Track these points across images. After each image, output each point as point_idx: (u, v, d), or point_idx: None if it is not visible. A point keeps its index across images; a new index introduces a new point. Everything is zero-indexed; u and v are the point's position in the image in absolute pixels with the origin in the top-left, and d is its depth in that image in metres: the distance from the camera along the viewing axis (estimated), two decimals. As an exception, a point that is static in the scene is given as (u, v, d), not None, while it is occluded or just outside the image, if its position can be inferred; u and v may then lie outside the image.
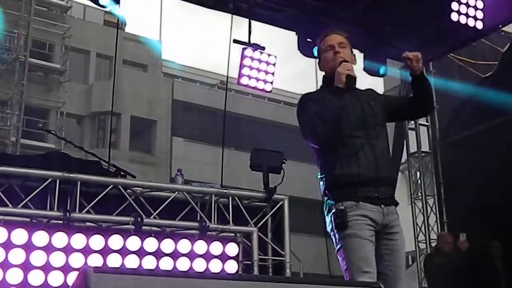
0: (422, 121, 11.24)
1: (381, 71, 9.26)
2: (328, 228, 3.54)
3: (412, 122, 11.13)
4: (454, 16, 8.28)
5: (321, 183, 3.62)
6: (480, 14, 8.42)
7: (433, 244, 10.56)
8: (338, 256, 3.47)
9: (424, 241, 10.81)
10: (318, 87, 3.89)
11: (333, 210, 3.47)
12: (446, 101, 11.26)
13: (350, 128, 3.52)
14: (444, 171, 11.27)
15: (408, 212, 11.48)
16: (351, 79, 3.54)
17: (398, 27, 9.20)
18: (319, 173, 3.66)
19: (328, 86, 3.66)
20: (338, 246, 3.46)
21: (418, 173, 11.29)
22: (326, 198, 3.59)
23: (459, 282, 8.79)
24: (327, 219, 3.54)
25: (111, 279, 1.81)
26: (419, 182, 11.21)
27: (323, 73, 3.79)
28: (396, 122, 3.78)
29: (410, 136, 11.23)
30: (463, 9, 8.31)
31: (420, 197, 11.03)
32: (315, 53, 7.41)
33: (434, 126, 11.49)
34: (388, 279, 3.46)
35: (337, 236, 3.45)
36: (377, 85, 21.88)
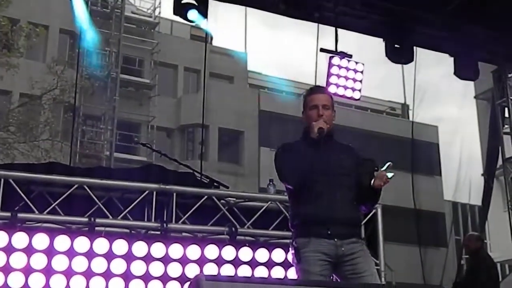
0: (517, 125, 10.84)
1: (473, 75, 9.03)
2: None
3: (507, 125, 10.76)
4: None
5: (289, 215, 4.19)
6: None
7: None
8: None
9: (523, 249, 10.41)
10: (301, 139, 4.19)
11: (293, 243, 3.96)
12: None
13: (314, 175, 3.94)
14: (542, 176, 10.81)
15: (504, 220, 11.10)
16: (322, 131, 3.99)
17: (490, 29, 8.95)
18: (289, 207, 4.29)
19: (306, 137, 4.10)
20: (296, 276, 3.94)
21: (514, 179, 10.88)
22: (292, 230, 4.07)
23: None
24: (290, 250, 4.03)
25: (223, 287, 1.85)
26: (515, 188, 10.81)
27: (305, 126, 4.15)
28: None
29: (506, 141, 10.85)
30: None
31: (517, 204, 10.62)
32: (403, 60, 7.47)
33: (531, 129, 11.05)
34: None
35: (295, 268, 3.94)
36: (468, 89, 21.30)
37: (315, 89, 4.31)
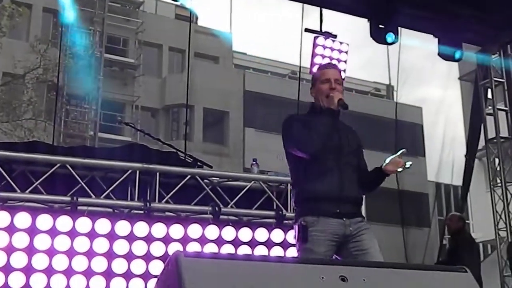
0: (500, 105, 10.91)
1: (457, 55, 9.04)
2: (292, 236, 3.96)
3: (490, 106, 10.82)
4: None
5: (292, 196, 4.03)
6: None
7: (514, 232, 10.28)
8: None
9: (504, 229, 10.53)
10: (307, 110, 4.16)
11: (297, 224, 3.83)
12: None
13: (326, 150, 3.85)
14: (524, 157, 10.92)
15: (487, 200, 11.21)
16: (343, 102, 3.89)
17: (475, 10, 8.96)
18: (292, 185, 4.09)
19: (314, 113, 4.05)
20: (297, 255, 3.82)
21: (497, 160, 10.97)
22: (294, 210, 3.99)
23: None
24: (294, 228, 3.88)
25: (203, 264, 1.86)
26: (498, 168, 10.91)
27: (312, 99, 4.10)
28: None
29: (488, 121, 10.91)
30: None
31: (500, 184, 10.73)
32: (388, 40, 7.44)
33: (514, 110, 11.13)
34: None
35: (297, 247, 3.83)
36: (452, 70, 21.36)
37: (327, 65, 4.32)
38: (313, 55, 8.72)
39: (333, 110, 3.93)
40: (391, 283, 2.37)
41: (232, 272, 1.97)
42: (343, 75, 8.59)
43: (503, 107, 10.96)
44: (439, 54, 9.01)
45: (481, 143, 11.32)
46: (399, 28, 8.75)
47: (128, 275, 5.18)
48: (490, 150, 11.02)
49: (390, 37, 8.49)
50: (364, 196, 4.12)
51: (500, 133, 10.80)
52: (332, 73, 4.08)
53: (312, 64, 8.78)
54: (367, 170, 4.07)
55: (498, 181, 10.80)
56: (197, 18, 27.42)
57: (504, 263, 10.11)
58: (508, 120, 10.93)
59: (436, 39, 9.08)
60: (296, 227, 3.85)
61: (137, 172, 5.58)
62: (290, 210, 5.99)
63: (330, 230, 3.75)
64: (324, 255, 3.70)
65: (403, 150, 3.95)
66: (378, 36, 8.56)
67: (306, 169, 3.89)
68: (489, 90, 10.74)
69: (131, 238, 5.24)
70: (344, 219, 3.79)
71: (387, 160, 3.92)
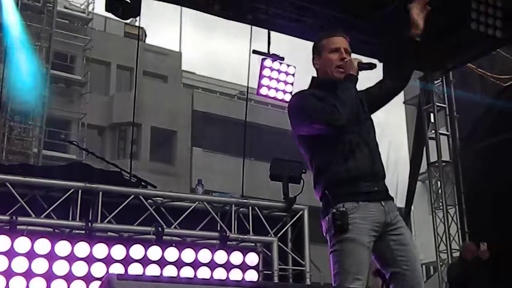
0: (442, 130, 11.18)
1: (401, 80, 9.23)
2: (324, 229, 3.39)
3: (433, 131, 11.07)
4: (473, 25, 8.27)
5: (318, 184, 3.46)
6: (499, 23, 8.40)
7: (454, 254, 10.49)
8: (330, 259, 3.34)
9: (445, 251, 10.74)
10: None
11: (333, 211, 3.31)
12: (467, 110, 11.21)
13: (349, 123, 3.40)
14: (465, 181, 11.17)
15: (429, 222, 11.42)
16: (366, 63, 3.52)
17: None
18: (314, 174, 3.49)
19: (319, 87, 3.56)
20: (333, 249, 3.33)
21: (438, 183, 11.21)
22: (324, 199, 3.41)
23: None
24: (324, 220, 3.38)
25: (134, 287, 1.84)
26: (439, 191, 11.14)
27: (319, 73, 3.64)
28: (374, 112, 3.65)
29: (430, 145, 11.16)
30: (482, 18, 8.29)
31: (441, 207, 10.95)
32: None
33: (455, 135, 11.41)
34: (407, 276, 3.36)
35: (333, 238, 3.31)
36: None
37: (335, 31, 3.66)
38: (261, 76, 8.79)
39: (353, 76, 3.46)
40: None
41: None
42: (288, 97, 8.80)
43: (445, 132, 11.24)
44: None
45: (424, 166, 11.56)
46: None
47: (67, 296, 5.08)
48: (432, 173, 11.26)
49: (336, 60, 8.62)
50: None
51: (442, 157, 11.05)
52: (342, 42, 3.59)
53: (260, 85, 8.85)
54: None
55: (440, 203, 11.02)
56: (145, 36, 27.33)
57: (445, 284, 10.28)
58: (450, 145, 11.21)
59: (381, 64, 9.25)
60: (330, 216, 3.32)
61: (79, 191, 5.50)
62: (234, 231, 6.00)
63: (371, 218, 3.32)
64: (367, 246, 3.29)
65: None
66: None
67: (334, 147, 3.42)
68: (432, 115, 10.99)
69: (71, 258, 5.14)
70: (382, 202, 3.38)
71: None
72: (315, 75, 3.70)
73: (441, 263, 10.82)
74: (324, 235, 3.40)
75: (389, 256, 3.38)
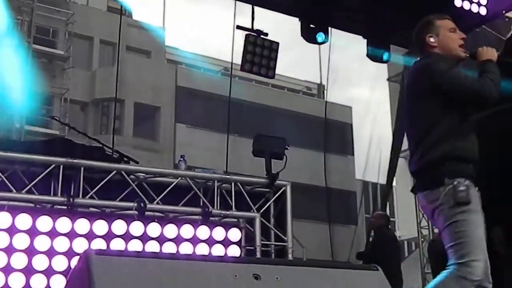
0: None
1: (385, 57, 9.23)
2: (437, 202, 3.36)
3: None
4: (457, 2, 8.26)
5: (433, 151, 3.44)
6: (483, 0, 8.40)
7: (435, 230, 10.59)
8: (448, 230, 3.34)
9: (426, 227, 10.85)
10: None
11: (454, 183, 3.32)
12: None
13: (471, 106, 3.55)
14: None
15: (411, 198, 11.51)
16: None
17: (403, 13, 9.16)
18: (431, 142, 3.47)
19: (445, 62, 3.61)
20: (455, 219, 3.30)
21: (421, 160, 11.27)
22: (439, 168, 3.41)
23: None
24: (437, 191, 3.36)
25: (113, 262, 1.83)
26: (422, 168, 11.19)
27: (437, 50, 3.71)
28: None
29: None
30: (466, -5, 8.28)
31: (423, 184, 11.01)
32: (318, 39, 7.19)
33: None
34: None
35: (455, 209, 3.30)
36: (381, 71, 21.85)
37: (444, 15, 3.88)
38: (244, 52, 8.73)
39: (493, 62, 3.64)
40: (304, 281, 2.40)
41: (142, 270, 1.95)
42: (272, 73, 8.77)
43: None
44: (368, 55, 9.17)
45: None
46: (329, 28, 8.86)
47: (49, 272, 5.06)
48: (415, 150, 11.29)
49: (320, 36, 8.60)
50: None
51: (424, 133, 11.08)
52: (453, 24, 3.81)
53: (243, 61, 8.79)
54: None
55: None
56: (130, 12, 27.05)
57: (426, 260, 10.41)
58: (433, 122, 11.22)
59: (365, 40, 9.24)
60: (451, 187, 3.32)
61: (61, 166, 5.46)
62: (217, 207, 6.01)
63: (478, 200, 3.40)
64: (482, 224, 3.34)
65: None
66: (308, 35, 8.64)
67: (462, 123, 3.49)
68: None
69: (53, 233, 5.12)
70: (478, 190, 3.42)
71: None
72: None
73: (422, 239, 10.94)
74: (437, 205, 3.37)
75: None
